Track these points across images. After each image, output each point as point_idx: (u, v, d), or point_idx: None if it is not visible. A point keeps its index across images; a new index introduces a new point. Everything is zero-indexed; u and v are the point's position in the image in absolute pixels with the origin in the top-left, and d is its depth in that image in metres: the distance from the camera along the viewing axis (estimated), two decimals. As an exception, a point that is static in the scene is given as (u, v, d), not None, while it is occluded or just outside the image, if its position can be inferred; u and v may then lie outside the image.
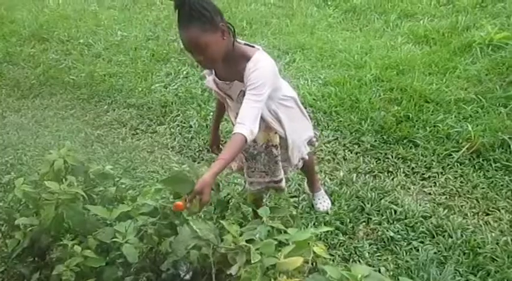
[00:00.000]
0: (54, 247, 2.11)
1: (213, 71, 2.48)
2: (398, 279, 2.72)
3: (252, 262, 1.56)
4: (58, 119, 4.55)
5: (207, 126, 4.22)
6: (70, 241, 2.01)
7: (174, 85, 4.94)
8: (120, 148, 4.07)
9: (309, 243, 1.54)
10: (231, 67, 2.33)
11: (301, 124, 2.78)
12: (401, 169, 3.61)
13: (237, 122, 2.21)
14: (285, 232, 1.83)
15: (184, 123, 4.33)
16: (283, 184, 2.80)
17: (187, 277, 2.16)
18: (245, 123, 2.19)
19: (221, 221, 1.91)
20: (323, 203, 3.30)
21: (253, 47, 2.37)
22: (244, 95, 2.29)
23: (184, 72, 5.16)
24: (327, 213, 3.25)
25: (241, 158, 2.76)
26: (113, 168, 2.56)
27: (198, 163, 3.85)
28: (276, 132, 2.59)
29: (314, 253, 1.51)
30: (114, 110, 4.63)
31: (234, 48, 2.30)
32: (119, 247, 1.97)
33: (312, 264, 1.55)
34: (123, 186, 2.67)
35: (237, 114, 2.36)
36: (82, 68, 5.38)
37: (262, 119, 2.41)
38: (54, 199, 2.06)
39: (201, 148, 4.00)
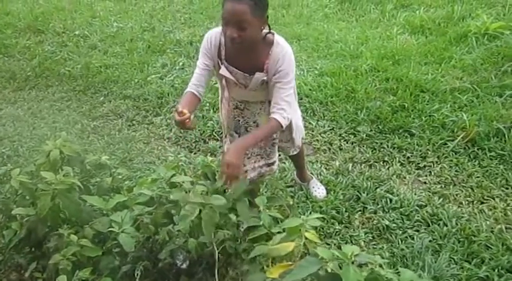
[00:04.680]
0: (51, 237, 2.12)
1: (224, 62, 2.43)
2: (393, 267, 2.75)
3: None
4: (54, 110, 4.54)
5: (203, 117, 4.23)
6: (67, 231, 2.02)
7: (170, 76, 4.93)
8: (116, 139, 4.07)
9: (300, 229, 1.56)
10: (254, 57, 2.34)
11: (296, 105, 2.79)
12: (397, 159, 3.62)
13: (275, 109, 2.30)
14: (282, 221, 1.85)
15: (181, 114, 4.32)
16: (275, 166, 2.85)
17: (184, 265, 2.17)
18: (284, 111, 2.30)
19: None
20: (318, 190, 3.34)
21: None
22: (264, 83, 2.36)
23: (180, 63, 5.15)
24: (325, 198, 3.29)
25: None
26: (109, 159, 2.57)
27: (195, 153, 3.86)
28: None
29: (306, 238, 1.52)
30: (110, 101, 4.63)
31: (263, 39, 2.33)
32: (115, 236, 1.98)
33: (305, 250, 1.57)
34: (120, 177, 2.68)
35: (238, 102, 2.43)
36: (78, 59, 5.36)
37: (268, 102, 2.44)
38: (51, 189, 2.06)
39: (197, 139, 4.00)
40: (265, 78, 2.36)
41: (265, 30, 2.31)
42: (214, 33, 2.41)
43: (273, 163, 2.83)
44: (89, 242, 2.00)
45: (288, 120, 2.35)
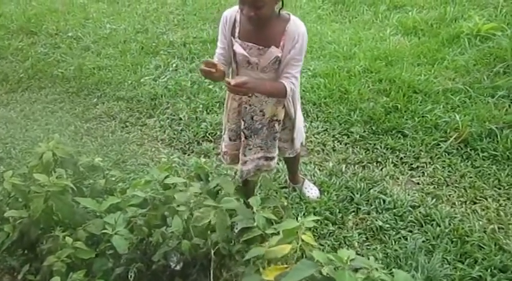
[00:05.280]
0: (44, 239, 2.11)
1: (238, 40, 2.50)
2: (387, 268, 2.76)
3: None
4: (47, 112, 4.52)
5: (196, 119, 4.22)
6: (61, 233, 2.01)
7: (163, 78, 4.93)
8: (109, 141, 4.06)
9: (297, 232, 1.56)
10: (270, 32, 2.43)
11: (299, 107, 2.84)
12: (390, 159, 3.64)
13: (285, 76, 2.46)
14: (276, 222, 1.85)
15: (174, 115, 4.33)
16: (274, 162, 2.89)
17: (178, 267, 2.17)
18: (292, 82, 2.46)
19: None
20: (311, 191, 3.36)
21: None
22: (277, 62, 2.45)
23: (174, 65, 5.15)
24: (318, 198, 3.30)
25: (237, 146, 2.83)
26: (102, 161, 2.56)
27: (188, 155, 3.86)
28: (283, 108, 2.68)
29: (302, 240, 1.53)
30: (104, 103, 4.62)
31: (278, 15, 2.44)
32: (109, 238, 1.97)
33: (301, 253, 1.57)
34: (113, 178, 2.67)
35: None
36: (71, 61, 5.35)
37: None
38: (44, 191, 2.06)
39: (190, 140, 4.00)
40: (279, 54, 2.44)
41: (279, 6, 2.42)
42: (230, 12, 2.53)
43: (271, 158, 2.87)
44: (83, 244, 1.99)
45: (292, 91, 2.50)
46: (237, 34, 2.50)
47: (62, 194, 2.10)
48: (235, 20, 2.50)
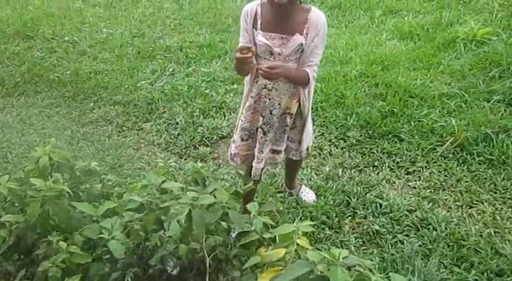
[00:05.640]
0: (40, 244, 2.10)
1: (260, 32, 2.56)
2: (384, 272, 2.76)
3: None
4: (43, 117, 4.52)
5: (193, 123, 4.23)
6: (56, 238, 2.00)
7: (160, 82, 4.93)
8: (106, 145, 4.05)
9: (292, 236, 1.56)
10: (293, 21, 2.52)
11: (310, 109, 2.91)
12: (387, 164, 3.65)
13: (307, 64, 2.57)
14: (272, 226, 1.85)
15: (171, 120, 4.33)
16: (280, 157, 2.94)
17: (175, 272, 2.16)
18: (314, 70, 2.60)
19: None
20: (307, 195, 3.37)
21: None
22: (299, 50, 2.54)
23: (170, 69, 5.15)
24: (314, 202, 3.31)
25: (249, 146, 2.87)
26: (99, 165, 2.55)
27: (185, 159, 3.85)
28: (297, 101, 2.72)
29: (298, 245, 1.53)
30: (100, 107, 4.61)
31: (299, 3, 2.56)
32: (105, 243, 1.96)
33: (297, 257, 1.57)
34: (109, 183, 2.66)
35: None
36: (67, 65, 5.34)
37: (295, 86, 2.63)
38: (40, 196, 2.05)
39: (187, 145, 4.00)
40: (303, 42, 2.52)
41: None
42: (250, 6, 2.59)
43: (278, 152, 2.91)
44: (79, 249, 1.98)
45: (314, 79, 2.64)
46: (259, 26, 2.57)
47: (59, 199, 2.09)
48: (256, 13, 2.56)
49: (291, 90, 2.67)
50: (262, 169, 2.91)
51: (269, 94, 2.69)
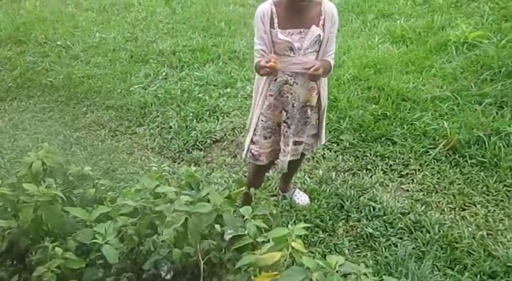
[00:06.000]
0: (33, 249, 2.09)
1: (278, 30, 2.61)
2: (377, 275, 2.77)
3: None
4: (36, 121, 4.50)
5: (186, 127, 4.22)
6: (50, 243, 1.99)
7: (153, 86, 4.93)
8: (99, 150, 4.05)
9: (287, 239, 1.56)
10: (308, 15, 2.62)
11: None
12: (380, 167, 3.66)
13: (328, 54, 2.73)
14: (266, 230, 1.85)
15: (164, 124, 4.32)
16: (301, 148, 3.01)
17: (168, 276, 2.16)
18: (333, 58, 2.77)
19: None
20: (301, 197, 3.39)
21: None
22: (317, 42, 2.65)
23: (164, 73, 5.15)
24: (308, 205, 3.32)
25: (272, 142, 2.92)
26: (92, 170, 2.54)
27: (178, 163, 3.85)
28: (316, 93, 2.80)
29: (292, 248, 1.53)
30: (93, 112, 4.60)
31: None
32: (99, 248, 1.96)
33: (291, 260, 1.57)
34: (103, 187, 2.66)
35: (288, 76, 2.70)
36: (60, 70, 5.33)
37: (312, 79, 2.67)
38: (33, 201, 2.04)
39: (180, 149, 4.00)
40: (321, 33, 2.63)
41: None
42: (264, 7, 2.64)
43: (300, 143, 2.97)
44: (73, 254, 1.98)
45: (333, 65, 2.79)
46: (276, 25, 2.62)
47: (52, 204, 2.08)
48: (272, 12, 2.61)
49: (311, 83, 2.75)
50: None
51: (291, 89, 2.75)
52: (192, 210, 1.86)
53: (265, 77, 2.76)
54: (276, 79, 2.74)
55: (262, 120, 2.86)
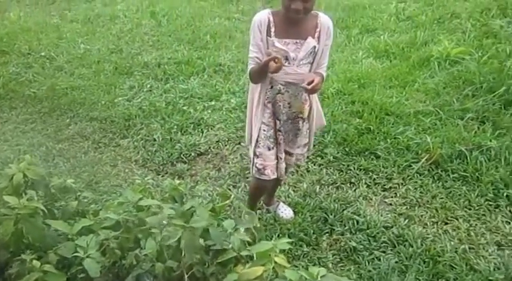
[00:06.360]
0: (13, 263, 2.06)
1: (274, 39, 2.64)
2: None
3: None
4: (18, 133, 4.45)
5: (171, 140, 4.21)
6: (29, 256, 1.96)
7: (137, 98, 4.91)
8: (82, 162, 4.01)
9: (270, 254, 1.56)
10: (304, 27, 2.66)
11: None
12: (363, 180, 3.68)
13: (321, 67, 2.77)
14: (250, 244, 1.85)
15: (148, 136, 4.31)
16: (293, 160, 3.06)
17: (151, 290, 2.14)
18: (325, 71, 2.82)
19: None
20: (285, 211, 3.38)
21: None
22: (312, 54, 2.69)
23: (148, 85, 5.14)
24: (292, 219, 3.32)
25: (275, 152, 2.93)
26: (74, 182, 2.52)
27: (162, 176, 3.83)
28: (309, 105, 2.85)
29: (276, 262, 1.53)
30: (76, 123, 4.57)
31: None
32: (81, 261, 1.93)
33: (275, 274, 1.57)
34: (85, 200, 2.63)
35: (281, 85, 2.74)
36: (43, 81, 5.29)
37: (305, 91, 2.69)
38: (14, 214, 2.01)
39: (164, 162, 3.98)
40: (316, 45, 2.67)
41: None
42: (261, 16, 2.67)
43: (290, 154, 3.01)
44: (53, 268, 1.95)
45: (325, 77, 2.83)
46: (272, 34, 2.65)
47: (33, 217, 2.06)
48: (269, 21, 2.64)
49: (304, 95, 2.79)
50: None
51: (283, 97, 2.79)
52: (186, 224, 1.85)
53: (260, 86, 2.79)
54: (272, 87, 2.77)
55: (264, 130, 2.86)
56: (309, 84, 2.54)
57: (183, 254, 1.87)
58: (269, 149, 2.89)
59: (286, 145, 2.95)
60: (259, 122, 2.85)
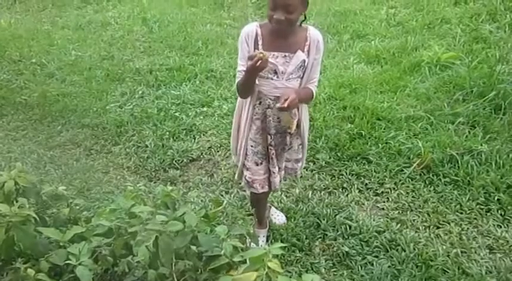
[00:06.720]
0: (5, 271, 2.05)
1: (261, 49, 2.56)
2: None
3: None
4: (9, 140, 4.43)
5: (163, 146, 4.21)
6: (22, 265, 1.95)
7: (129, 105, 4.90)
8: (74, 169, 3.99)
9: (263, 259, 1.56)
10: (293, 40, 2.60)
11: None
12: (355, 185, 3.69)
13: (311, 82, 2.71)
14: (243, 249, 1.84)
15: (140, 143, 4.30)
16: (281, 174, 2.99)
17: (143, 298, 2.13)
18: (316, 86, 2.75)
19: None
20: (278, 217, 3.38)
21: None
22: (302, 68, 2.63)
23: (140, 92, 5.14)
24: (284, 224, 3.32)
25: (264, 168, 2.90)
26: (66, 189, 2.51)
27: (154, 182, 3.82)
28: (297, 121, 2.77)
29: (269, 268, 1.53)
30: (68, 130, 4.55)
31: (300, 25, 2.63)
32: (73, 269, 1.93)
33: (268, 280, 1.57)
34: (77, 207, 2.62)
35: (270, 99, 2.67)
36: (34, 88, 5.27)
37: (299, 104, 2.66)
38: (5, 221, 2.00)
39: (157, 168, 3.98)
40: (305, 58, 2.61)
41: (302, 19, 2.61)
42: (249, 28, 2.62)
43: (279, 168, 2.92)
44: (45, 275, 1.94)
45: (316, 94, 2.77)
46: (260, 46, 2.59)
47: (24, 224, 2.05)
48: (257, 34, 2.60)
49: (294, 110, 2.72)
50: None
51: (272, 113, 2.74)
52: (163, 229, 1.85)
53: (248, 101, 2.74)
54: (260, 102, 2.72)
55: (251, 146, 2.83)
56: (284, 102, 2.45)
57: (166, 259, 1.87)
58: (257, 165, 2.87)
59: (276, 159, 2.90)
60: (246, 138, 2.82)
